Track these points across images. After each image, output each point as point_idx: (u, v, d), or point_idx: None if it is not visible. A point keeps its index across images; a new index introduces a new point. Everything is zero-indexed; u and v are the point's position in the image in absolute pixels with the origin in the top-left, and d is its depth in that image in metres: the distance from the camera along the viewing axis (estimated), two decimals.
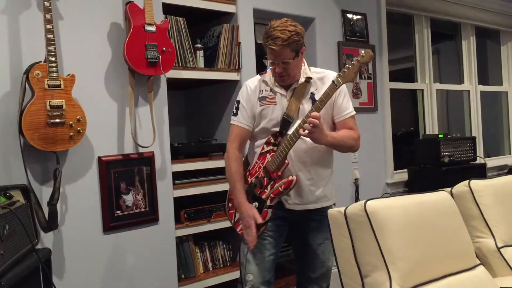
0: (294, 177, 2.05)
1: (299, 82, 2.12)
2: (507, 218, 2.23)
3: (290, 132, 2.07)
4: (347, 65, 1.93)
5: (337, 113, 2.16)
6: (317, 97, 2.11)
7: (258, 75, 2.25)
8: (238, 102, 2.21)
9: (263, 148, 2.14)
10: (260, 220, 2.04)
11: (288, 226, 2.23)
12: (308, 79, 2.14)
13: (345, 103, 2.16)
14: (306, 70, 2.16)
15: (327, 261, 2.23)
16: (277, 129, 2.12)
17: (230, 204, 2.28)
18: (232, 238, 3.07)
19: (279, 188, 2.06)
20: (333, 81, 1.94)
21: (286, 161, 2.06)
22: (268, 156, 2.10)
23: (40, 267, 2.00)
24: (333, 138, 2.04)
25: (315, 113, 1.93)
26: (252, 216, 2.04)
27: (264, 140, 2.16)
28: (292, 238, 2.30)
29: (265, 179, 2.10)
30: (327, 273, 2.25)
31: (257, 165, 2.16)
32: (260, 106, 2.15)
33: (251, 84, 2.22)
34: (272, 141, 2.11)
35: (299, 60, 2.10)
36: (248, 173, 2.21)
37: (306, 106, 2.11)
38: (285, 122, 2.10)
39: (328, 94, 1.95)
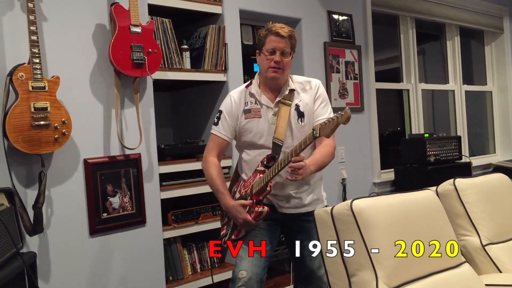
0: (265, 209, 2.05)
1: (283, 95, 2.14)
2: (491, 216, 2.26)
3: (281, 154, 2.08)
4: (329, 119, 1.87)
5: (314, 117, 2.17)
6: (301, 108, 2.14)
7: (244, 86, 2.24)
8: (221, 112, 2.21)
9: (258, 166, 2.14)
10: (247, 202, 2.06)
11: (280, 227, 2.23)
12: (292, 91, 2.16)
13: (320, 109, 2.18)
14: (289, 82, 2.18)
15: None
16: (262, 142, 2.13)
17: None
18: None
19: (251, 214, 2.06)
20: (313, 129, 1.92)
21: (268, 188, 2.06)
22: (258, 176, 2.11)
23: (25, 271, 1.98)
24: (314, 167, 2.04)
25: (297, 158, 1.94)
26: (240, 209, 2.06)
27: (253, 153, 2.17)
28: (287, 240, 2.30)
29: (249, 198, 2.11)
30: (324, 274, 2.24)
31: (250, 180, 2.16)
32: (245, 119, 2.15)
33: (236, 96, 2.20)
34: (265, 162, 2.11)
35: (291, 61, 2.14)
36: (243, 183, 2.20)
37: (294, 122, 2.12)
38: (275, 146, 2.10)
39: (306, 142, 1.93)
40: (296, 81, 2.21)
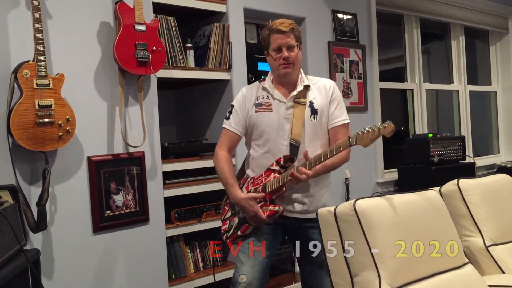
0: (281, 209, 2.04)
1: (297, 90, 2.13)
2: (495, 217, 2.25)
3: (299, 155, 2.08)
4: (368, 128, 1.79)
5: (329, 120, 2.16)
6: (315, 105, 2.14)
7: (257, 81, 2.25)
8: (232, 106, 2.22)
9: (272, 165, 2.13)
10: (258, 195, 2.05)
11: (284, 232, 2.22)
12: (307, 86, 2.15)
13: (337, 111, 2.17)
14: (303, 78, 2.17)
15: None
16: (273, 137, 2.11)
17: (228, 201, 2.29)
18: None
19: (264, 212, 2.05)
20: (349, 137, 1.86)
21: (284, 188, 2.06)
22: (272, 175, 2.10)
23: (29, 268, 1.98)
24: (316, 170, 2.04)
25: (305, 171, 1.97)
26: (252, 202, 2.05)
27: (260, 150, 2.16)
28: (293, 247, 2.26)
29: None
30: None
31: (261, 178, 2.15)
32: (256, 112, 2.15)
33: (248, 91, 2.22)
34: (282, 163, 2.10)
35: (299, 53, 2.14)
36: (252, 180, 2.19)
37: (306, 119, 2.11)
38: (292, 147, 2.09)
39: (339, 148, 1.90)
40: (310, 79, 2.21)
